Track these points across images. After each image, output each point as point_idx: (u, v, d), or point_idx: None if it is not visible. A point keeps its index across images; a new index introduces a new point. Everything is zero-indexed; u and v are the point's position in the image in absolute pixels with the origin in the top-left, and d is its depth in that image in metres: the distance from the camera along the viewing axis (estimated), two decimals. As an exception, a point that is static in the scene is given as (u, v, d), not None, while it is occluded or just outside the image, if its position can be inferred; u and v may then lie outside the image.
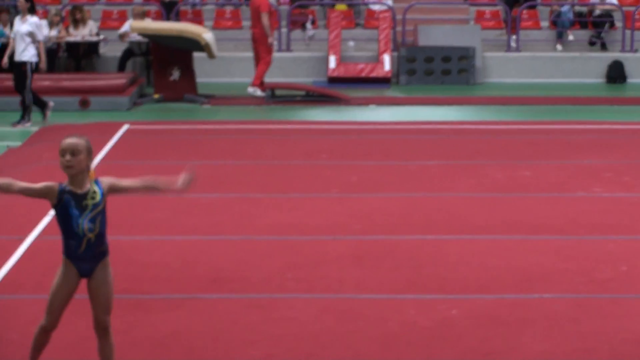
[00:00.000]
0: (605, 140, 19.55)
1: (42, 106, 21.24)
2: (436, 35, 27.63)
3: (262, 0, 24.87)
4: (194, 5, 28.67)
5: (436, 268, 11.53)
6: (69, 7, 27.43)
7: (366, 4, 29.25)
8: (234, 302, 10.46)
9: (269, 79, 25.39)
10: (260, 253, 12.14)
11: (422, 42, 27.63)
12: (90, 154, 7.87)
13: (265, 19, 24.53)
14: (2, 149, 18.24)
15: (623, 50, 28.16)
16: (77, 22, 25.99)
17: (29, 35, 20.61)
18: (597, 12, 29.08)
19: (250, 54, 26.89)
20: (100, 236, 7.89)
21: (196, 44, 23.95)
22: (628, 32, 28.29)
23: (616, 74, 27.53)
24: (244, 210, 14.11)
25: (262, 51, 24.87)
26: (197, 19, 28.10)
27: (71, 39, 25.79)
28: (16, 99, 21.45)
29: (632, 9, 28.61)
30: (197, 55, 24.38)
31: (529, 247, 12.36)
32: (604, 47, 28.75)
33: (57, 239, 7.79)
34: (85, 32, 25.87)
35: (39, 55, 20.96)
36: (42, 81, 23.55)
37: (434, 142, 19.39)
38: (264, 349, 9.21)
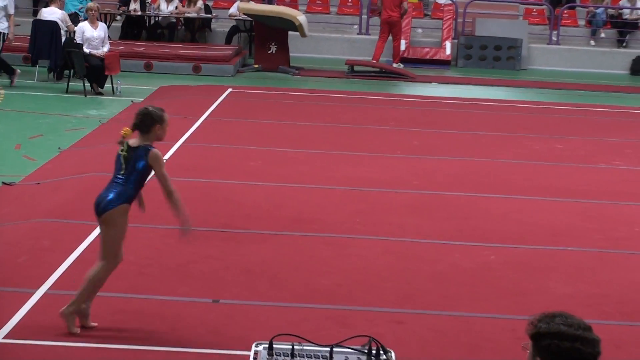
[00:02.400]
0: (627, 122, 19.38)
1: (10, 72, 20.50)
2: (490, 27, 27.46)
3: None
4: (291, -8, 28.67)
5: (479, 221, 11.51)
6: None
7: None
8: (311, 240, 10.51)
9: (350, 57, 25.36)
10: (335, 200, 12.17)
11: (478, 32, 27.47)
12: None
13: (405, 6, 25.57)
14: (126, 103, 18.40)
15: (646, 47, 27.88)
16: (191, 1, 26.06)
17: (2, 9, 20.21)
18: (626, 15, 28.74)
19: (336, 35, 26.94)
20: None
21: (291, 24, 23.96)
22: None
23: (638, 67, 27.23)
24: (323, 164, 14.14)
25: (398, 32, 25.61)
26: (294, 3, 28.06)
27: (189, 14, 25.86)
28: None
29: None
30: (291, 33, 24.38)
31: (559, 208, 12.30)
32: (626, 44, 28.42)
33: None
34: (195, 9, 25.92)
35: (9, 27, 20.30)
36: (163, 49, 23.72)
37: (485, 116, 19.30)
38: (334, 279, 9.25)
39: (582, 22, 29.21)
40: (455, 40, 27.36)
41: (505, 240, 10.75)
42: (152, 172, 7.68)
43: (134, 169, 7.60)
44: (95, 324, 7.80)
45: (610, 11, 29.03)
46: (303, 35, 24.28)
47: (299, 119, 17.75)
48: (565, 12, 28.73)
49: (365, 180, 13.23)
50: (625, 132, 17.93)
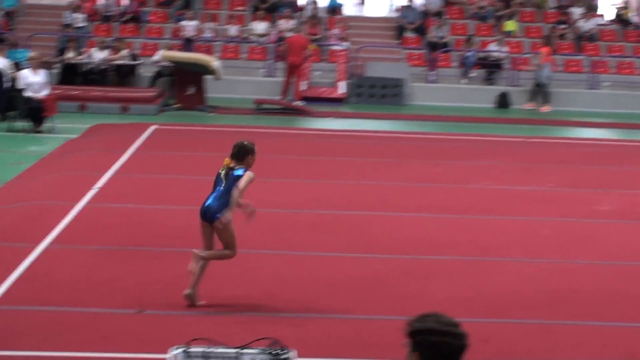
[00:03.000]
0: (494, 148, 19.59)
1: None
2: (378, 69, 27.60)
3: (307, 40, 26.16)
4: (206, 40, 28.51)
5: (370, 235, 11.54)
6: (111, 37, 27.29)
7: (329, 45, 29.20)
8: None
9: (258, 96, 25.34)
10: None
11: (368, 74, 27.60)
12: None
13: (309, 52, 25.86)
14: (63, 140, 18.16)
15: (508, 85, 28.22)
16: (118, 49, 25.89)
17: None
18: (492, 58, 29.11)
19: (246, 77, 26.98)
20: None
21: (207, 69, 23.90)
22: (511, 72, 28.36)
23: (503, 101, 27.60)
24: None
25: (300, 74, 25.87)
26: (209, 51, 27.93)
27: (118, 61, 25.65)
28: None
29: (514, 56, 28.68)
30: (207, 76, 24.30)
31: (437, 222, 12.38)
32: (493, 82, 28.80)
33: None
34: (121, 57, 25.81)
35: None
36: (95, 92, 23.46)
37: (374, 145, 19.39)
38: (244, 289, 9.20)
39: (455, 64, 29.51)
40: (348, 81, 27.46)
41: (392, 252, 10.79)
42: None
43: (232, 182, 8.70)
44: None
45: (479, 54, 29.38)
46: (218, 78, 24.21)
47: (214, 150, 17.63)
48: (441, 55, 29.02)
49: (271, 202, 13.18)
50: (492, 157, 18.12)
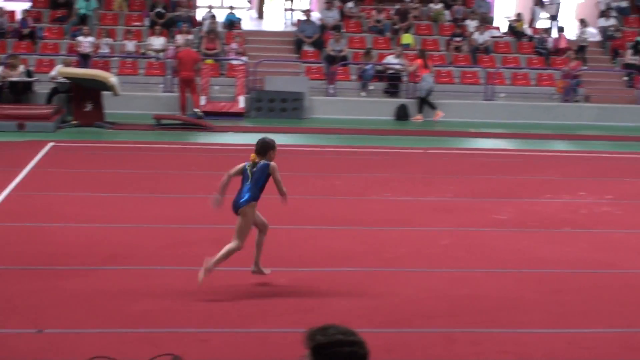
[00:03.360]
0: (394, 160, 19.81)
1: None
2: (277, 83, 27.66)
3: (197, 54, 26.56)
4: (103, 56, 28.25)
5: (272, 249, 11.53)
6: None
7: (228, 59, 29.17)
8: (125, 272, 10.37)
9: (157, 112, 25.17)
10: (145, 236, 12.02)
11: (267, 88, 27.65)
12: None
13: (199, 65, 26.28)
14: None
15: (407, 97, 28.55)
16: (14, 66, 25.51)
17: None
18: (391, 71, 29.40)
19: (144, 93, 26.79)
20: None
21: (104, 85, 23.70)
22: (411, 84, 28.70)
23: (401, 113, 27.91)
24: (135, 205, 13.97)
25: (194, 87, 26.10)
26: (106, 67, 27.67)
27: (13, 78, 25.27)
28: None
29: (412, 68, 29.03)
30: (105, 92, 24.08)
31: (337, 235, 12.46)
32: (393, 94, 29.10)
33: None
34: (18, 73, 25.44)
35: None
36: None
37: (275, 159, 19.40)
38: (146, 305, 9.12)
39: (354, 77, 29.74)
40: (248, 95, 27.48)
41: (293, 265, 10.83)
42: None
43: (259, 173, 9.74)
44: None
45: (378, 67, 29.66)
46: (116, 94, 24.02)
47: (113, 166, 17.50)
48: (339, 68, 29.22)
49: (172, 218, 13.13)
50: (391, 169, 18.31)
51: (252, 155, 9.92)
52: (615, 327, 8.93)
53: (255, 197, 9.77)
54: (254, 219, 9.86)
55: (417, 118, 27.62)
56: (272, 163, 9.85)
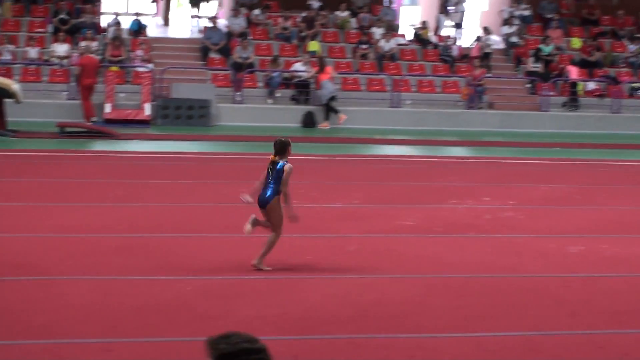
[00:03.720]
0: (299, 166, 19.74)
1: None
2: (183, 90, 27.52)
3: (97, 60, 26.47)
4: (5, 63, 27.78)
5: (177, 257, 11.46)
6: None
7: (133, 66, 28.92)
8: (26, 283, 10.19)
9: (61, 119, 24.83)
10: (49, 246, 11.83)
11: (174, 95, 27.49)
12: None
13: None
14: None
15: (314, 104, 28.62)
16: None
17: None
18: (298, 78, 29.47)
19: (48, 100, 26.46)
20: None
21: (6, 92, 23.29)
22: (316, 91, 28.80)
23: (309, 120, 28.00)
24: (39, 215, 13.74)
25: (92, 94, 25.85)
26: (8, 73, 27.20)
27: None
28: None
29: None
30: (7, 100, 23.67)
31: (242, 242, 12.39)
32: (300, 101, 29.17)
33: None
34: None
35: None
36: None
37: (183, 166, 19.33)
38: (48, 316, 8.98)
39: (261, 84, 29.74)
40: (154, 102, 27.27)
41: (199, 273, 10.75)
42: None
43: (277, 173, 10.79)
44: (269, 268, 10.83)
45: (284, 74, 29.70)
46: (18, 101, 23.61)
47: (15, 175, 17.20)
48: (246, 76, 29.19)
49: (77, 226, 12.95)
50: (298, 176, 18.19)
51: (272, 157, 10.99)
52: (519, 329, 9.05)
53: (277, 193, 10.84)
54: (280, 212, 10.88)
55: (324, 125, 27.73)
56: (287, 165, 10.87)
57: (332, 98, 27.82)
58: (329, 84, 27.89)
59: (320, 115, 28.05)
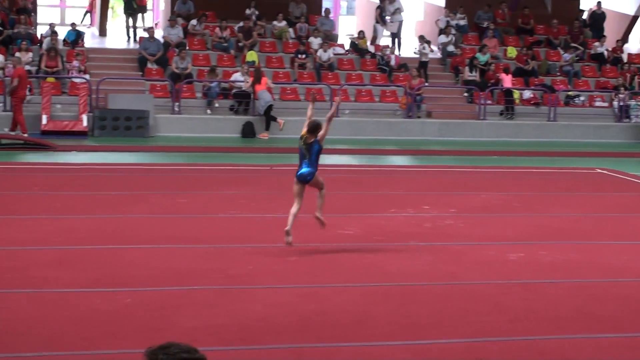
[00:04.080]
0: (240, 177, 19.79)
1: None
2: (121, 101, 27.33)
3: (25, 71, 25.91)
4: (-61, 75, 27.45)
5: (116, 269, 11.36)
6: None
7: (69, 77, 28.65)
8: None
9: (-4, 131, 24.54)
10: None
11: (111, 106, 27.28)
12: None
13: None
14: None
15: (253, 114, 28.59)
16: None
17: None
18: (236, 89, 29.43)
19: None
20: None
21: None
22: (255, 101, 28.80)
23: (248, 131, 27.95)
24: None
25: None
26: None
27: None
28: None
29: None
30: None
31: (184, 253, 12.35)
32: (239, 112, 29.11)
33: None
34: None
35: None
36: None
37: (120, 177, 19.16)
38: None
39: (199, 95, 29.63)
40: (91, 114, 27.04)
41: (140, 285, 10.66)
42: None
43: (314, 152, 12.32)
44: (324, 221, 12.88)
45: (223, 84, 29.63)
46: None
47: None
48: (184, 86, 29.07)
49: (13, 239, 12.78)
50: (238, 186, 18.29)
51: (304, 133, 12.35)
52: (460, 336, 9.10)
53: (316, 169, 12.45)
54: (320, 178, 12.60)
55: (263, 135, 27.71)
56: (320, 140, 12.34)
57: (270, 107, 27.82)
58: (265, 94, 27.89)
59: (259, 126, 28.03)
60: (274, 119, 27.72)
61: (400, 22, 35.29)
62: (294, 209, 12.53)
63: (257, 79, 28.12)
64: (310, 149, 12.35)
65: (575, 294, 10.86)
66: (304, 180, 12.48)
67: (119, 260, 11.86)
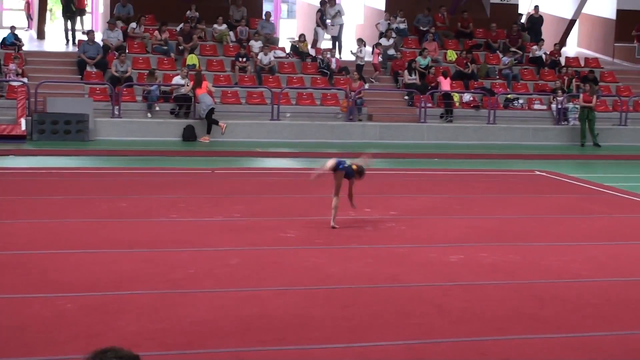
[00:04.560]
0: (180, 180, 19.69)
1: None
2: (60, 105, 27.08)
3: None
4: None
5: (56, 274, 11.24)
6: None
7: (7, 81, 28.33)
8: None
9: None
10: None
11: (50, 110, 27.03)
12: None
13: None
14: None
15: (194, 117, 28.49)
16: None
17: None
18: (176, 92, 29.28)
19: None
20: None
21: None
22: (198, 105, 28.68)
23: (189, 134, 27.85)
24: None
25: None
26: None
27: None
28: None
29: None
30: None
31: (124, 257, 12.24)
32: (179, 115, 29.01)
33: None
34: None
35: None
36: None
37: (59, 182, 18.96)
38: None
39: (139, 98, 29.47)
40: (29, 117, 26.77)
41: (80, 290, 10.55)
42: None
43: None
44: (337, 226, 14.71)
45: (164, 88, 29.49)
46: None
47: None
48: (124, 90, 28.88)
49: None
50: (179, 190, 18.20)
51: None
52: (402, 338, 9.13)
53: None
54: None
55: (205, 139, 27.63)
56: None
57: (211, 111, 27.74)
58: (206, 98, 27.82)
59: (200, 129, 27.94)
60: (216, 123, 27.66)
61: (341, 26, 35.40)
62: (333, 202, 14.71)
63: (197, 83, 28.06)
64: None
65: (515, 295, 10.95)
66: (347, 174, 14.69)
67: (59, 265, 11.74)
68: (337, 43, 35.06)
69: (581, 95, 30.90)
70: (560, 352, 8.89)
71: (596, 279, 11.94)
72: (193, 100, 28.59)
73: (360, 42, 33.35)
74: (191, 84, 28.34)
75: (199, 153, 25.21)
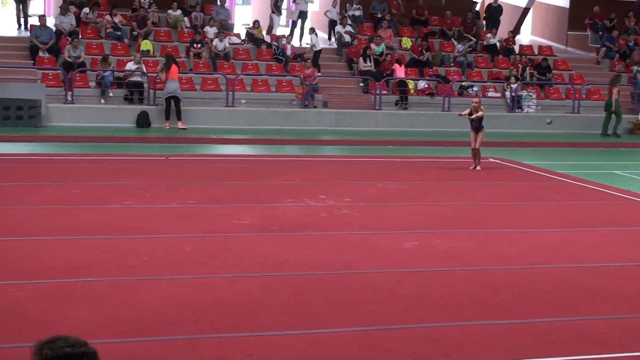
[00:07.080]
0: (135, 167, 19.59)
1: None
2: (11, 90, 26.84)
3: None
4: None
5: (7, 261, 11.13)
6: None
7: (-42, 66, 28.07)
8: None
9: None
10: None
11: (1, 95, 26.77)
12: None
13: None
14: None
15: (148, 104, 28.35)
16: None
17: None
18: (132, 77, 29.12)
19: None
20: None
21: None
22: (152, 91, 28.55)
23: (143, 121, 27.70)
24: None
25: None
26: None
27: None
28: None
29: (152, 75, 28.80)
30: None
31: (77, 244, 12.14)
32: (133, 101, 28.85)
33: None
34: None
35: None
36: None
37: (12, 168, 18.78)
38: None
39: (92, 84, 29.25)
40: (-20, 103, 26.51)
41: (30, 277, 10.46)
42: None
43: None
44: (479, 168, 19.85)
45: (117, 74, 29.29)
46: None
47: None
48: (77, 75, 28.65)
49: None
50: (132, 176, 18.10)
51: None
52: (356, 325, 9.15)
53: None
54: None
55: (165, 125, 27.49)
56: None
57: (176, 100, 27.52)
58: (173, 83, 27.54)
59: (155, 115, 27.79)
60: (167, 117, 27.45)
61: (303, 12, 35.33)
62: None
63: (167, 66, 27.65)
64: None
65: (468, 281, 11.01)
66: (475, 129, 20.44)
67: (10, 252, 11.63)
68: (296, 29, 34.99)
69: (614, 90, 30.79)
70: (513, 337, 8.95)
71: (549, 265, 12.03)
72: (147, 86, 28.41)
73: (312, 31, 33.30)
74: (159, 68, 28.03)
75: (153, 139, 25.08)
